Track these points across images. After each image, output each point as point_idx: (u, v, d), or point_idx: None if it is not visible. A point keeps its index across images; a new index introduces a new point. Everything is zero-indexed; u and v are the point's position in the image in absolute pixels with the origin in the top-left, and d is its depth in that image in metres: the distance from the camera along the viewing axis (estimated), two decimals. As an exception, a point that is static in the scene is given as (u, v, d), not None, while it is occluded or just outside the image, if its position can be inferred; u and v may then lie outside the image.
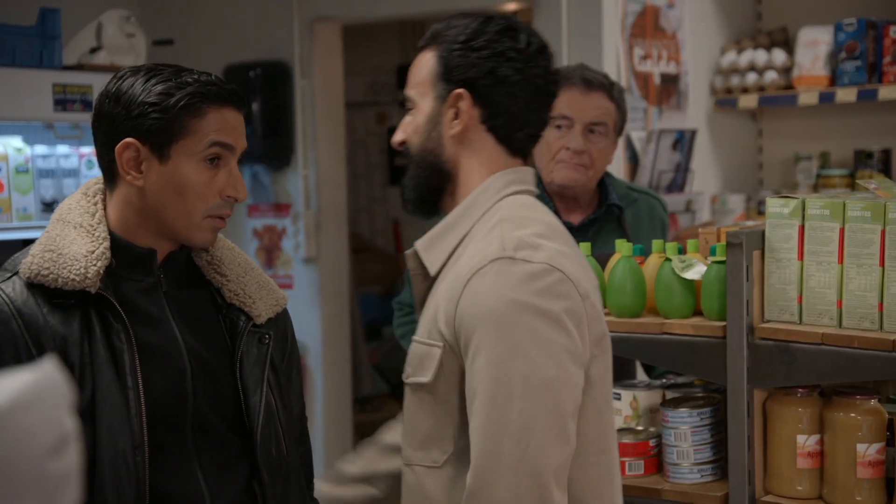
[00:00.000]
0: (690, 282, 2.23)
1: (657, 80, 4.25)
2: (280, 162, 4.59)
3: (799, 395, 2.14)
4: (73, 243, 1.77)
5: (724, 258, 2.15)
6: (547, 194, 2.80)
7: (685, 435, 2.25)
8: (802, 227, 2.13)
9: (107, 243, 1.79)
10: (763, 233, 2.16)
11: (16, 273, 1.77)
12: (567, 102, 2.72)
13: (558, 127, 2.74)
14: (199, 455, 1.83)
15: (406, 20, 5.97)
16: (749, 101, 4.35)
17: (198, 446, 1.83)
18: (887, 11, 4.25)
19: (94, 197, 1.85)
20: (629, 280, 2.28)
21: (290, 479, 1.92)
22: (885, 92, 4.00)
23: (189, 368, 1.83)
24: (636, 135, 4.10)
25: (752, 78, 4.34)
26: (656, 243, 2.37)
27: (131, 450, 1.74)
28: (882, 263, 2.04)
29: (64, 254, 1.76)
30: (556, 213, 2.77)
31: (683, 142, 4.25)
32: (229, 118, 1.81)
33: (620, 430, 2.42)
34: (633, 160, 4.12)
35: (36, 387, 0.73)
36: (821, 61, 4.18)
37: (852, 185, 4.21)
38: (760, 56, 4.35)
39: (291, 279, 4.63)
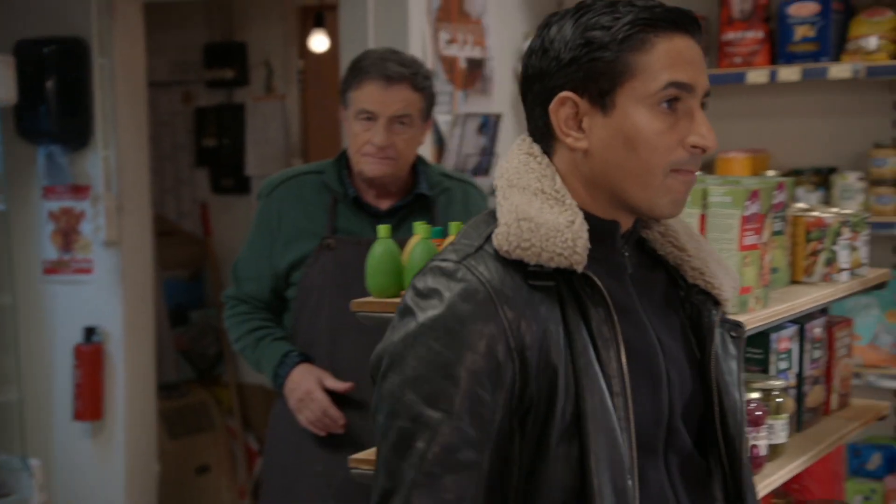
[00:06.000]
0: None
1: (463, 64, 4.29)
2: (77, 142, 4.39)
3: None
4: (543, 212, 1.43)
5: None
6: (350, 179, 2.82)
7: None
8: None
9: (581, 214, 1.44)
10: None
11: (481, 247, 1.44)
12: (368, 98, 2.72)
13: (365, 119, 2.74)
14: (671, 481, 1.49)
15: (212, -2, 5.84)
16: (551, 87, 4.44)
17: (669, 470, 1.49)
18: None
19: (545, 158, 1.50)
20: (427, 262, 2.29)
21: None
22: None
23: (665, 374, 1.48)
24: (442, 118, 4.13)
25: (554, 64, 4.44)
26: (454, 225, 2.39)
27: (622, 478, 1.38)
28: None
29: (541, 223, 1.41)
30: (358, 198, 2.81)
31: (489, 126, 4.31)
32: (683, 49, 1.44)
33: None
34: (440, 143, 4.16)
35: None
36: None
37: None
38: (562, 43, 4.45)
39: (91, 263, 4.47)
